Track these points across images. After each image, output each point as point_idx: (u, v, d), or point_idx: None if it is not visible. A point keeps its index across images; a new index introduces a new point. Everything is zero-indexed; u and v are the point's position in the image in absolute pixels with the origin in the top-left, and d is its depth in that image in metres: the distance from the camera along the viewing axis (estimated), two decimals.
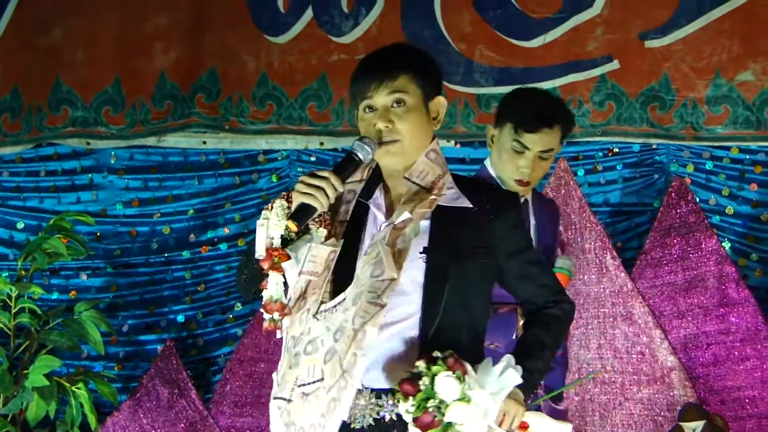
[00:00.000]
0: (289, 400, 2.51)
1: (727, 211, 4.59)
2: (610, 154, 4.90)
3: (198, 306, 5.05)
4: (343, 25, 4.90)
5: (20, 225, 5.17)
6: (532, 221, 3.65)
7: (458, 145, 4.95)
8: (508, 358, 2.48)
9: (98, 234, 5.08)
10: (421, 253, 2.52)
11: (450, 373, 2.34)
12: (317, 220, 2.59)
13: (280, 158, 5.07)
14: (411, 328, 2.48)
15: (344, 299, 2.54)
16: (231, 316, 4.88)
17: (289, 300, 2.57)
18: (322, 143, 4.70)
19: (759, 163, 4.52)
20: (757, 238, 4.55)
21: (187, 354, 4.95)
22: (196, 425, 4.85)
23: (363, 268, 2.54)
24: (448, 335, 2.50)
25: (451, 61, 4.83)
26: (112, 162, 5.17)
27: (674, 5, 4.73)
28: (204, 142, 5.01)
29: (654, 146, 4.78)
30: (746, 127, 4.39)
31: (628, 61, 4.72)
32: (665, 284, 4.67)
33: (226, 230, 5.06)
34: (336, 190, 2.52)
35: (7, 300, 4.47)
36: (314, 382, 2.48)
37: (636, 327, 4.59)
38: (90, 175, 5.17)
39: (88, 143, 5.09)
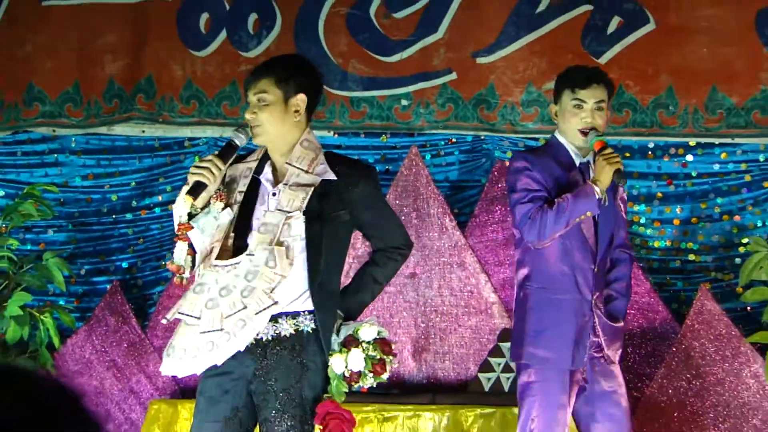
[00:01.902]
0: (198, 317, 2.94)
1: None
2: (450, 143, 5.43)
3: (138, 255, 5.59)
4: (249, 44, 5.43)
5: (1, 193, 5.70)
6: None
7: (336, 135, 5.45)
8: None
9: (61, 200, 5.60)
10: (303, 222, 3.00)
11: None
12: (215, 196, 3.01)
13: (201, 144, 5.59)
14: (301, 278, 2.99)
15: (239, 263, 2.96)
16: (163, 263, 5.35)
17: (192, 261, 2.99)
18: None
19: None
20: None
21: (130, 292, 5.46)
22: (136, 345, 5.23)
23: (258, 244, 2.98)
24: (326, 285, 3.03)
25: (331, 72, 5.31)
26: (73, 145, 5.68)
27: (498, 31, 5.24)
28: (143, 131, 5.56)
29: (482, 137, 5.32)
30: (550, 124, 4.77)
31: (464, 74, 5.28)
32: (489, 240, 5.20)
33: (160, 198, 5.63)
34: (219, 168, 2.98)
35: None
36: (234, 313, 2.92)
37: (467, 272, 5.11)
38: (55, 155, 5.70)
39: (54, 131, 5.61)
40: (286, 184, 3.06)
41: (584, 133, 3.56)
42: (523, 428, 3.52)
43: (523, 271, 3.58)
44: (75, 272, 5.47)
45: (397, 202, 5.18)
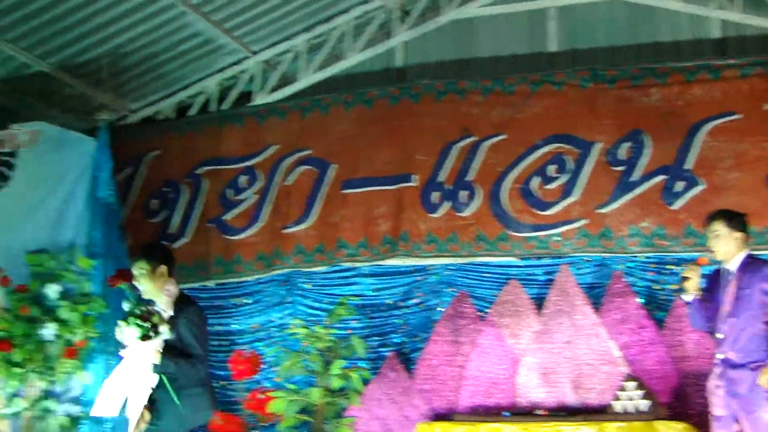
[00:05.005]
0: None
1: None
2: (585, 262, 7.95)
3: (404, 334, 8.10)
4: (462, 208, 8.09)
5: (327, 301, 8.08)
6: (733, 282, 5.90)
7: (519, 259, 7.89)
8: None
9: (360, 304, 8.07)
10: None
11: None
12: None
13: (437, 267, 8.21)
14: None
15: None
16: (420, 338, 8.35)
17: None
18: None
19: None
20: None
21: (401, 356, 8.02)
22: (407, 389, 7.74)
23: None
24: None
25: (511, 222, 7.94)
26: (365, 271, 8.21)
27: (609, 194, 7.76)
28: (403, 262, 8.21)
29: (604, 257, 7.84)
30: (646, 246, 7.66)
31: (591, 219, 7.85)
32: (613, 320, 7.56)
33: (415, 300, 8.09)
34: None
35: None
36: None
37: (601, 339, 7.56)
38: (355, 278, 8.30)
39: (354, 264, 8.33)
40: None
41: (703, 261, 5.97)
42: None
43: None
44: (369, 346, 7.85)
45: (555, 298, 7.90)
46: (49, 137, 8.22)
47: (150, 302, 5.90)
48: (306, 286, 8.60)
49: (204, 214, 9.05)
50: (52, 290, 7.61)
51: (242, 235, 8.88)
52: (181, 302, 5.97)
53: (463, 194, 8.27)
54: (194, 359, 5.90)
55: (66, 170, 8.09)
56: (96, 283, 7.67)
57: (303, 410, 7.76)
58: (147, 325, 5.71)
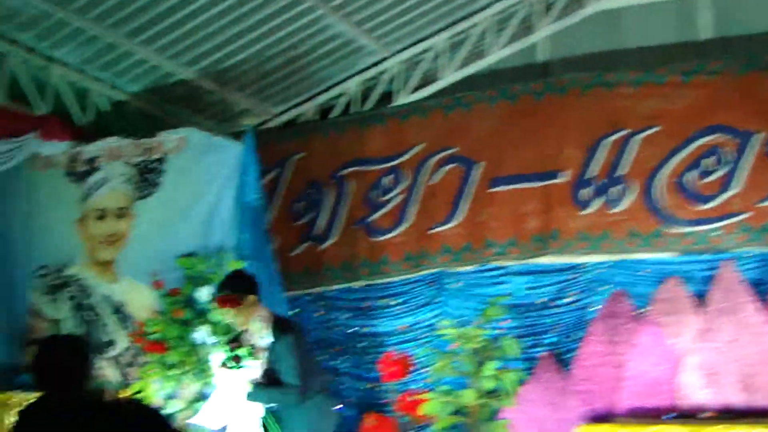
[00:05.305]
0: None
1: None
2: (747, 257, 7.64)
3: (558, 334, 7.93)
4: (614, 204, 7.99)
5: (474, 302, 8.03)
6: None
7: (677, 255, 7.90)
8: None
9: (511, 304, 7.97)
10: None
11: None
12: None
13: (587, 266, 8.08)
14: None
15: None
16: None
17: None
18: None
19: None
20: None
21: (556, 357, 8.07)
22: (562, 389, 7.67)
23: None
24: None
25: (669, 218, 7.89)
26: (515, 270, 8.19)
27: None
28: (553, 261, 8.19)
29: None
30: None
31: (753, 213, 7.67)
32: None
33: (566, 300, 8.03)
34: None
35: None
36: None
37: None
38: (504, 276, 8.23)
39: (502, 263, 8.26)
40: None
41: None
42: None
43: None
44: (521, 346, 7.66)
45: (718, 295, 7.59)
46: (196, 143, 8.32)
47: (243, 333, 6.08)
48: (454, 286, 8.56)
49: (350, 215, 9.09)
50: (203, 293, 7.64)
51: (389, 236, 8.89)
52: (278, 329, 6.05)
53: (615, 190, 8.13)
54: (289, 389, 5.98)
55: (213, 175, 8.16)
56: None
57: (456, 412, 7.68)
58: (230, 354, 5.94)
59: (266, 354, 6.08)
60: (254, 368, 6.07)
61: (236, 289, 6.13)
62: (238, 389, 6.09)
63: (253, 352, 6.09)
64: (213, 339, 6.43)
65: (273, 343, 6.09)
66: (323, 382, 6.41)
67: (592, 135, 8.35)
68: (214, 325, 7.39)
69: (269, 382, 6.09)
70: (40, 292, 8.33)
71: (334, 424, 6.44)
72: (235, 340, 6.19)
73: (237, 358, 6.02)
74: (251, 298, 6.17)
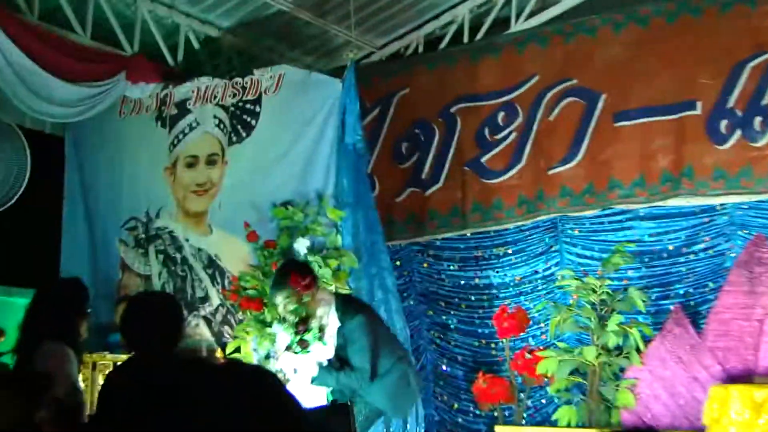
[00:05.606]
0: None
1: None
2: None
3: (689, 285, 7.35)
4: (757, 137, 7.20)
5: (597, 248, 7.56)
6: None
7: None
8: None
9: (636, 252, 7.45)
10: None
11: None
12: None
13: (728, 207, 7.34)
14: None
15: None
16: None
17: None
18: None
19: None
20: None
21: (685, 310, 7.31)
22: (695, 346, 6.92)
23: None
24: None
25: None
26: (641, 214, 7.54)
27: None
28: (687, 202, 7.40)
29: None
30: None
31: None
32: None
33: (702, 245, 7.38)
34: None
35: None
36: None
37: None
38: (629, 222, 7.65)
39: (628, 206, 7.55)
40: None
41: None
42: None
43: None
44: (649, 298, 7.18)
45: None
46: (292, 81, 7.87)
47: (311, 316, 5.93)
48: (574, 232, 8.03)
49: (458, 156, 8.48)
50: (302, 245, 7.23)
51: (502, 178, 8.28)
52: (344, 311, 5.89)
53: (757, 121, 7.34)
54: (357, 372, 5.81)
55: (312, 115, 7.72)
56: (346, 236, 7.37)
57: (576, 371, 7.25)
58: (295, 338, 5.78)
59: (334, 337, 5.90)
60: (322, 351, 5.90)
61: (307, 271, 6.02)
62: (305, 372, 5.92)
63: (320, 335, 5.92)
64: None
65: (341, 326, 5.89)
66: (402, 354, 6.21)
67: (733, 59, 7.56)
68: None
69: (340, 364, 5.92)
70: (129, 246, 8.11)
71: (415, 395, 6.31)
72: (303, 322, 5.92)
73: (304, 342, 5.85)
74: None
